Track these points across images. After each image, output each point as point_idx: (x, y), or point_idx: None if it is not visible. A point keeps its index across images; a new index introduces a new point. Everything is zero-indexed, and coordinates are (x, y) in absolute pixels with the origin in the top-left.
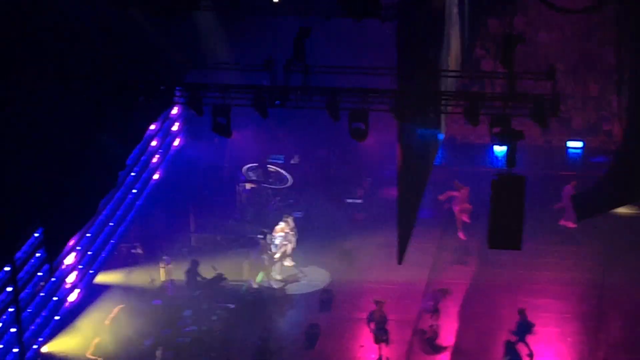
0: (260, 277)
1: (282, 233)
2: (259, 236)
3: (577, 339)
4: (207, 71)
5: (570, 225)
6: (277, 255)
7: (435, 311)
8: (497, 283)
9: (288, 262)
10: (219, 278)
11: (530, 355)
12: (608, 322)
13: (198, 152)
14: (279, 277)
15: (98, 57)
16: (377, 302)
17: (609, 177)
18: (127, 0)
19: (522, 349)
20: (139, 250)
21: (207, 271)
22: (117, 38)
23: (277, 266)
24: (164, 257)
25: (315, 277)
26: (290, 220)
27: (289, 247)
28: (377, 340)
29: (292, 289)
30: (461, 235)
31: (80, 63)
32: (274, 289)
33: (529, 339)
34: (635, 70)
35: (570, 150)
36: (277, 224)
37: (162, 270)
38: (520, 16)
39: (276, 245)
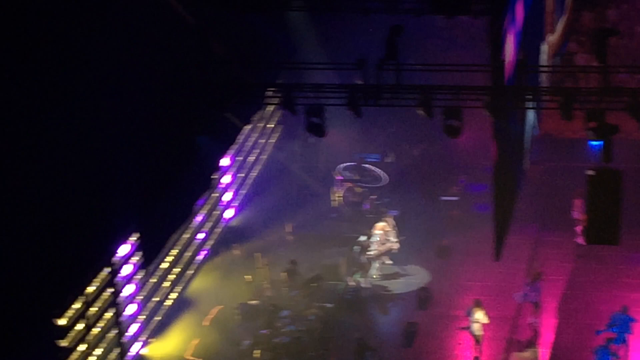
0: (357, 276)
1: (381, 231)
2: (361, 237)
3: None
4: (300, 72)
5: None
6: (373, 253)
7: (537, 304)
8: (596, 278)
9: (387, 261)
10: (317, 278)
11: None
12: None
13: (293, 151)
14: (377, 276)
15: (192, 59)
16: (475, 301)
17: None
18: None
19: (618, 349)
20: (237, 251)
21: (305, 271)
22: (210, 39)
23: (375, 265)
24: (262, 258)
25: (415, 275)
26: (390, 219)
27: (388, 246)
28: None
29: (391, 287)
30: (580, 240)
31: (174, 66)
32: (371, 287)
33: (629, 335)
34: None
35: None
36: (373, 222)
37: (259, 271)
38: (613, 9)
39: (375, 243)
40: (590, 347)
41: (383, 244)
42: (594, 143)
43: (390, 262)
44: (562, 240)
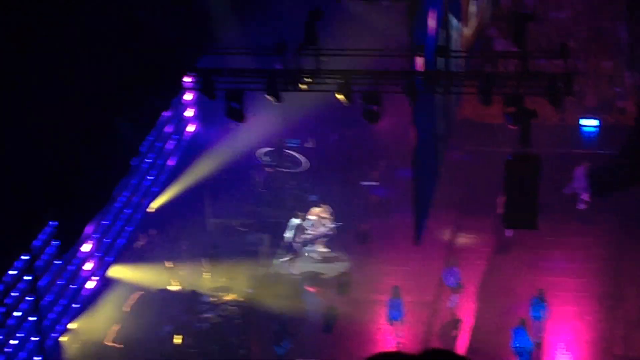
0: (281, 260)
1: (316, 217)
2: (292, 221)
3: (595, 317)
4: (219, 56)
5: (582, 206)
6: (308, 237)
7: (458, 287)
8: (515, 262)
9: (322, 248)
10: (237, 264)
11: (539, 340)
12: (625, 299)
13: (212, 137)
14: (312, 261)
15: (109, 42)
16: (393, 288)
17: (624, 154)
18: None
19: (533, 331)
20: (154, 235)
21: (225, 256)
22: (128, 23)
23: (306, 249)
24: (182, 243)
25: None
26: (326, 206)
27: (322, 231)
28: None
29: (323, 272)
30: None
31: (91, 48)
32: (300, 273)
33: (546, 319)
34: None
35: (584, 128)
36: (292, 208)
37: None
38: None
39: (309, 228)
40: (510, 330)
41: (317, 229)
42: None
43: (326, 249)
44: (481, 225)
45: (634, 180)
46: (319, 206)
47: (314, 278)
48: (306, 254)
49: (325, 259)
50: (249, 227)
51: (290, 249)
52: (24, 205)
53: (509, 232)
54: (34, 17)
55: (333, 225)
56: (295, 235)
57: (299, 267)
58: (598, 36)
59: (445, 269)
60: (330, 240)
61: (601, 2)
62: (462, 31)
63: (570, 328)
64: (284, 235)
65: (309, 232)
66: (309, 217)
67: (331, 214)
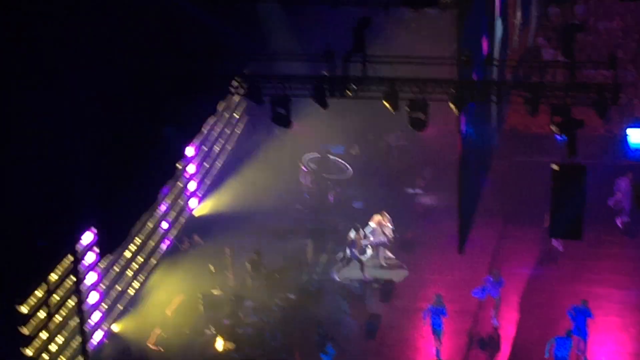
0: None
1: (377, 224)
2: (351, 232)
3: (639, 329)
4: (266, 62)
5: (625, 219)
6: (367, 243)
7: (498, 298)
8: (559, 273)
9: (385, 254)
10: (281, 269)
11: (582, 351)
12: None
13: (259, 143)
14: (379, 268)
15: (156, 48)
16: (436, 296)
17: None
18: None
19: (577, 342)
20: (199, 240)
21: (268, 261)
22: (176, 28)
23: (373, 258)
24: (226, 248)
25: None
26: (385, 214)
27: (382, 240)
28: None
29: (392, 278)
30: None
31: (139, 54)
32: (372, 279)
33: (589, 329)
34: None
35: (630, 139)
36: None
37: (223, 261)
38: (581, 5)
39: (370, 235)
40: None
41: (377, 236)
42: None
43: (390, 255)
44: (526, 235)
45: None
46: (379, 214)
47: (378, 284)
48: (367, 261)
49: (389, 266)
50: (293, 233)
51: (353, 255)
52: (69, 207)
53: (556, 243)
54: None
55: (392, 232)
56: (354, 242)
57: (359, 273)
58: None
59: (489, 278)
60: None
61: None
62: (509, 41)
63: (613, 339)
64: (349, 239)
65: (370, 239)
66: (370, 223)
67: (390, 221)
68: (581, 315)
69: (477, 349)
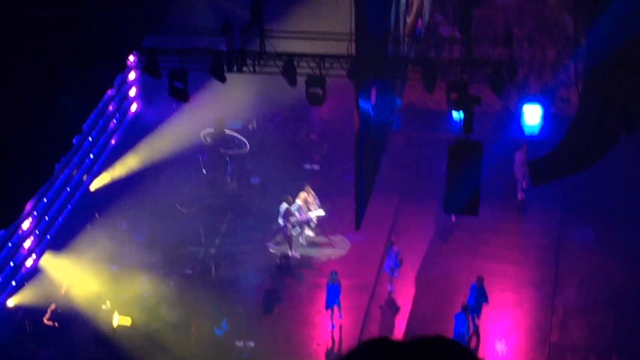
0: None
1: (302, 201)
2: (281, 206)
3: (534, 304)
4: (164, 36)
5: (521, 195)
6: (294, 221)
7: (395, 269)
8: (455, 248)
9: (310, 232)
10: (177, 244)
11: (476, 327)
12: (563, 287)
13: (155, 117)
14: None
15: (53, 18)
16: (331, 273)
17: (565, 143)
18: None
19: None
20: (97, 215)
21: (166, 237)
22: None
23: (301, 235)
24: (123, 223)
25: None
26: (309, 189)
27: (308, 216)
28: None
29: (318, 255)
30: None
31: (34, 24)
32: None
33: (484, 306)
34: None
35: (526, 116)
36: (232, 190)
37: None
38: None
39: (296, 212)
40: (449, 315)
41: (304, 213)
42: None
43: (312, 233)
44: (422, 210)
45: (572, 169)
46: (304, 191)
47: (308, 263)
48: (300, 240)
49: (314, 244)
50: (189, 208)
51: (284, 233)
52: None
53: (449, 217)
54: None
55: (318, 209)
56: (284, 219)
57: (297, 252)
58: (543, 25)
59: (386, 250)
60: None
61: None
62: (405, 17)
63: (508, 315)
64: (278, 220)
65: (296, 216)
66: (297, 201)
67: (314, 197)
68: (475, 291)
69: (374, 324)
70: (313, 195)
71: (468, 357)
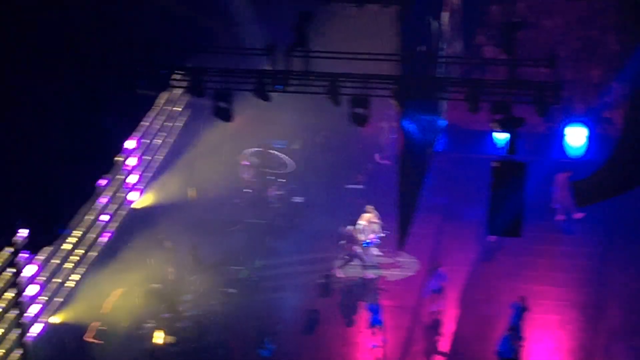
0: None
1: (366, 222)
2: (347, 228)
3: (577, 326)
4: (209, 56)
5: (562, 217)
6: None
7: (439, 291)
8: (497, 269)
9: (376, 251)
10: (220, 263)
11: (521, 342)
12: (607, 310)
13: (200, 135)
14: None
15: (97, 37)
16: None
17: (609, 165)
18: None
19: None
20: (140, 234)
21: (206, 255)
22: (115, 21)
23: (367, 256)
24: (166, 242)
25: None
26: (373, 210)
27: (372, 237)
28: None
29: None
30: None
31: (77, 47)
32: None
33: (525, 325)
34: (637, 57)
35: (570, 138)
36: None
37: (163, 255)
38: (521, 2)
39: (361, 233)
40: (491, 337)
41: (367, 234)
42: (497, 137)
43: (380, 252)
44: (465, 231)
45: (616, 191)
46: (367, 211)
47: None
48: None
49: (381, 265)
50: (231, 226)
51: (354, 254)
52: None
53: (491, 238)
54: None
55: (382, 231)
56: (353, 237)
57: (370, 272)
58: (588, 45)
59: (431, 271)
60: (312, 242)
61: (592, 11)
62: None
63: (551, 337)
64: (347, 235)
65: (361, 237)
66: (360, 222)
67: (378, 218)
68: (518, 311)
69: (417, 345)
70: (377, 215)
71: None
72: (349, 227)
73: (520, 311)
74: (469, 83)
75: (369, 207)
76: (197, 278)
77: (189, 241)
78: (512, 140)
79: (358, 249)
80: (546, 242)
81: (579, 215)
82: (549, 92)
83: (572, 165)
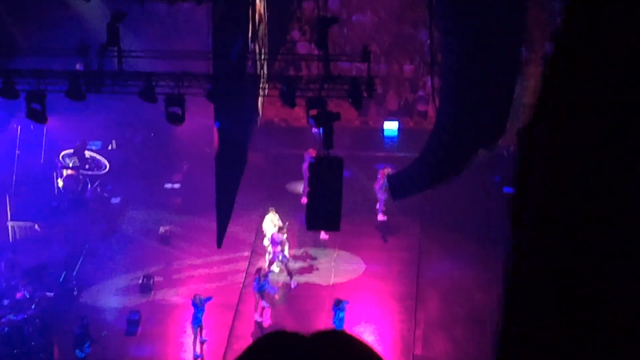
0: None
1: (271, 223)
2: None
3: (396, 317)
4: (21, 58)
5: (380, 218)
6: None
7: (261, 291)
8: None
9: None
10: (40, 267)
11: None
12: (425, 301)
13: (13, 138)
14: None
15: None
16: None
17: (423, 158)
18: None
19: None
20: None
21: (25, 260)
22: None
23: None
24: None
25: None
26: (273, 211)
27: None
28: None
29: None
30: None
31: None
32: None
33: (347, 315)
34: (446, 52)
35: (386, 131)
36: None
37: None
38: None
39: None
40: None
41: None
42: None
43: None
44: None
45: (430, 184)
46: (270, 212)
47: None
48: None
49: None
50: (50, 230)
51: (283, 257)
52: None
53: (323, 235)
54: None
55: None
56: (278, 241)
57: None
58: (400, 41)
59: (254, 273)
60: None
61: (403, 8)
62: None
63: (371, 329)
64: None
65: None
66: (264, 225)
67: (279, 219)
68: (339, 312)
69: (239, 343)
70: (278, 217)
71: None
72: (270, 229)
73: (340, 311)
74: (285, 79)
75: (271, 209)
76: (15, 283)
77: (7, 245)
78: (328, 135)
79: (283, 253)
80: (364, 236)
81: (382, 217)
82: (363, 86)
83: (389, 158)
